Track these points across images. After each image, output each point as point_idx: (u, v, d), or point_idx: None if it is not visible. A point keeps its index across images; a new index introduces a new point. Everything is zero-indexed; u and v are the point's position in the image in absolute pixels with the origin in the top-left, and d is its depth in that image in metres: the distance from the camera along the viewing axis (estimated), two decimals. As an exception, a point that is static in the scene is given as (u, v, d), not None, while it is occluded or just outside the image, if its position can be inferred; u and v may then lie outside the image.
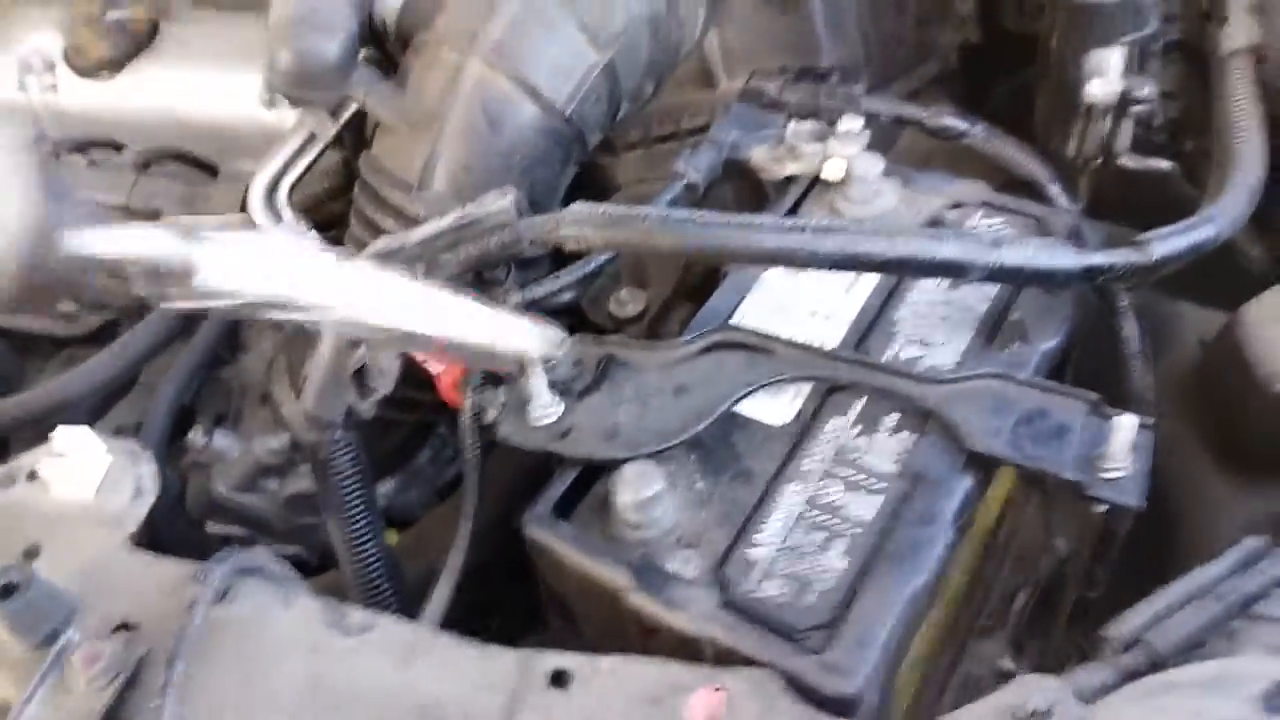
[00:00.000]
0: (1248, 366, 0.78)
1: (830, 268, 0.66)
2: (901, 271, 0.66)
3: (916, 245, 0.65)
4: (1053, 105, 0.84)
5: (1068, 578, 1.08)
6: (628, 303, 1.11)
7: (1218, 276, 0.90)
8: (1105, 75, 0.77)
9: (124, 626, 0.64)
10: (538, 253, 0.72)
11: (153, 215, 1.12)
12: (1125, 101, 0.78)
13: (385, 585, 0.82)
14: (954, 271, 0.66)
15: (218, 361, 1.05)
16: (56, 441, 0.71)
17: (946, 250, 0.65)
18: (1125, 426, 0.65)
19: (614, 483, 0.68)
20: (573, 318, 1.24)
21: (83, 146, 1.22)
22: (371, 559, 0.81)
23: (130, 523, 0.71)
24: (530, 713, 0.60)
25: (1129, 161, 0.82)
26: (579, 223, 0.69)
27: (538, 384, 0.71)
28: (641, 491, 0.67)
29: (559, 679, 0.61)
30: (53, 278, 0.85)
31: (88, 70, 1.22)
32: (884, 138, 1.05)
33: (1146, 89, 0.80)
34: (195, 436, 0.97)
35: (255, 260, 0.61)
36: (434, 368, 0.77)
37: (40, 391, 0.92)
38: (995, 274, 0.67)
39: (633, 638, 0.67)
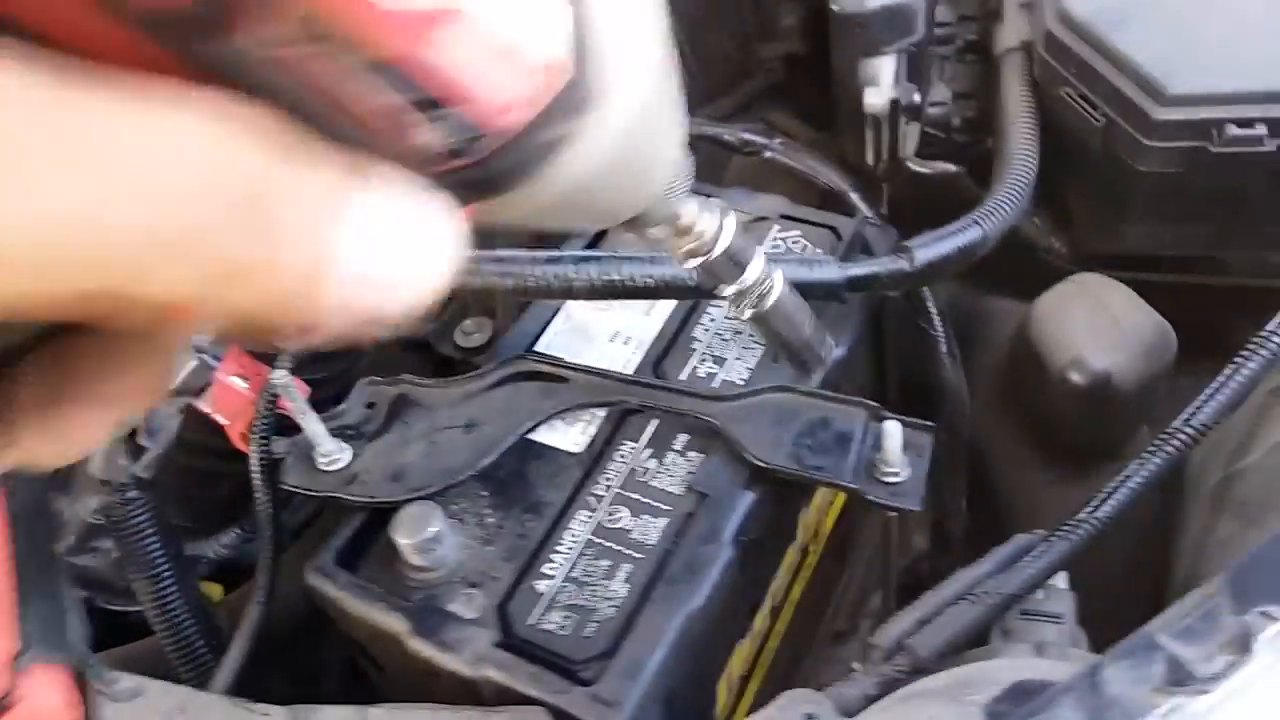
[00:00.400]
0: (1040, 359, 0.79)
1: (591, 297, 0.65)
2: (666, 295, 0.66)
3: (676, 269, 0.65)
4: (844, 115, 0.85)
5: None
6: (473, 332, 1.09)
7: (1029, 271, 0.92)
8: (877, 84, 0.78)
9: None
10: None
11: None
12: (899, 109, 0.79)
13: (199, 643, 0.80)
14: (709, 292, 0.66)
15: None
16: None
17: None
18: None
19: (392, 526, 0.66)
20: (420, 353, 1.24)
21: None
22: (181, 617, 0.79)
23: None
24: (296, 771, 0.59)
25: (916, 166, 0.83)
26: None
27: (314, 429, 0.70)
28: (419, 533, 0.66)
29: (328, 734, 0.60)
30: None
31: None
32: (713, 160, 1.06)
33: (916, 95, 0.81)
34: (16, 501, 0.94)
35: None
36: (222, 418, 0.75)
37: None
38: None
39: (420, 683, 0.66)
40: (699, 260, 0.42)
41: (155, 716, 0.61)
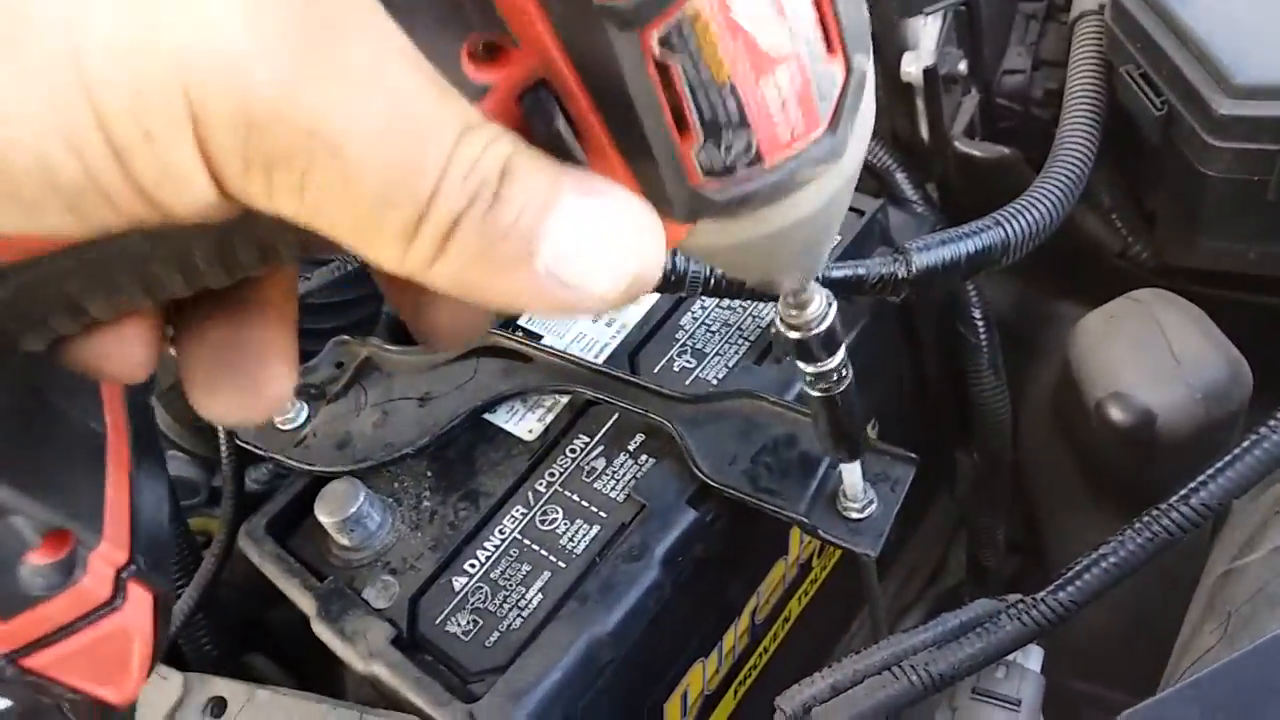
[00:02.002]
0: (1079, 388, 0.67)
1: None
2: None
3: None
4: (886, 84, 0.74)
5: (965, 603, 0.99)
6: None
7: (1105, 277, 0.78)
8: (917, 49, 0.67)
9: None
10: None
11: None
12: (938, 79, 0.67)
13: (178, 579, 0.81)
14: (685, 286, 0.59)
15: None
16: None
17: (676, 263, 0.58)
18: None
19: (317, 501, 0.64)
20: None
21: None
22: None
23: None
24: (177, 741, 0.58)
25: (963, 146, 0.71)
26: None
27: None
28: (341, 511, 0.63)
29: (216, 708, 0.59)
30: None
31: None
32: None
33: (963, 64, 0.69)
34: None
35: None
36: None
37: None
38: (714, 287, 0.59)
39: (334, 665, 0.64)
40: (798, 334, 0.45)
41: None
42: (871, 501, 0.59)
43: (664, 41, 0.24)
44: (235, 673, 0.77)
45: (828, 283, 0.61)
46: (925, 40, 0.67)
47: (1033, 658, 0.56)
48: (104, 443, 0.35)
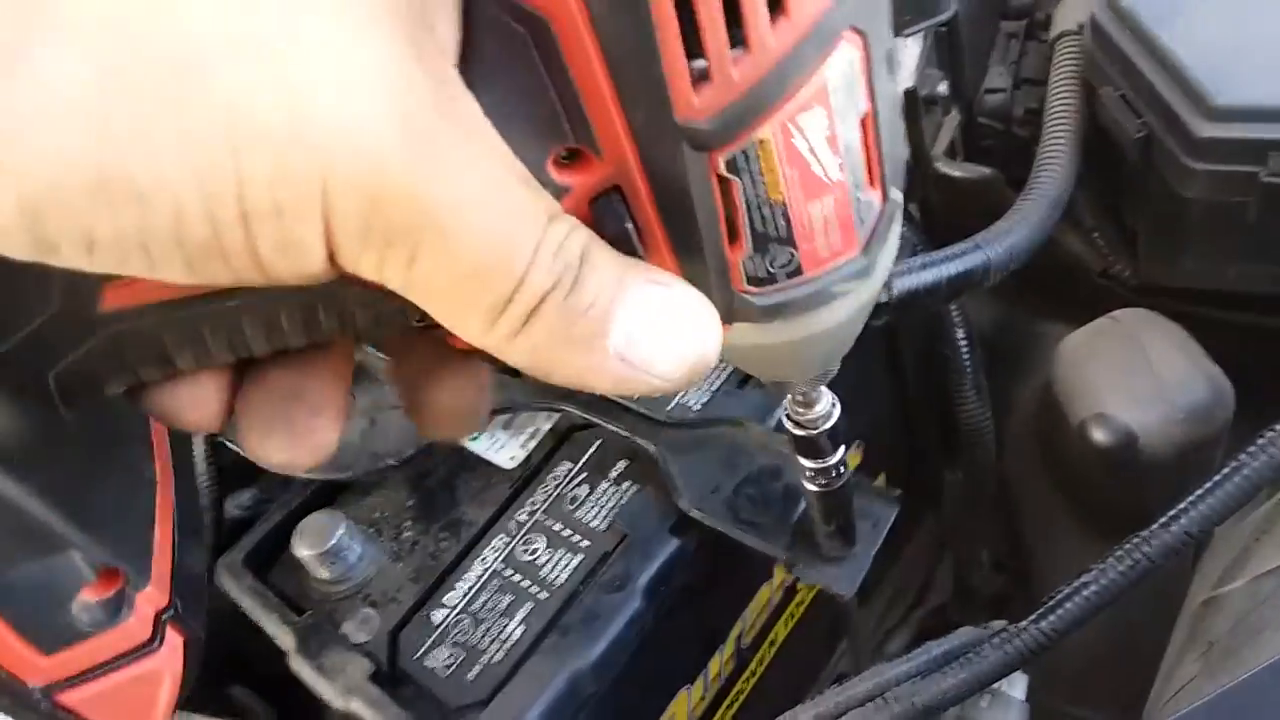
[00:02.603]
0: (1062, 408, 0.67)
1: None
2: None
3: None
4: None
5: (952, 625, 0.99)
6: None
7: (1088, 296, 0.78)
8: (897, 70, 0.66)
9: None
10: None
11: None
12: (919, 101, 0.67)
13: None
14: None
15: None
16: None
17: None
18: None
19: (295, 536, 0.63)
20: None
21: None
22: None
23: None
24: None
25: (944, 167, 0.71)
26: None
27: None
28: (319, 544, 0.62)
29: (190, 747, 0.59)
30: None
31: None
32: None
33: (944, 85, 0.69)
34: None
35: None
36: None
37: None
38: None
39: (316, 698, 0.63)
40: (803, 432, 0.47)
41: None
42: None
43: (730, 163, 0.28)
44: (217, 705, 0.76)
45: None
46: (905, 61, 0.67)
47: (1017, 685, 0.55)
48: (155, 489, 0.37)
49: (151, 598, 0.35)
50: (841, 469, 0.49)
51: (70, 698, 0.34)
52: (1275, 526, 0.47)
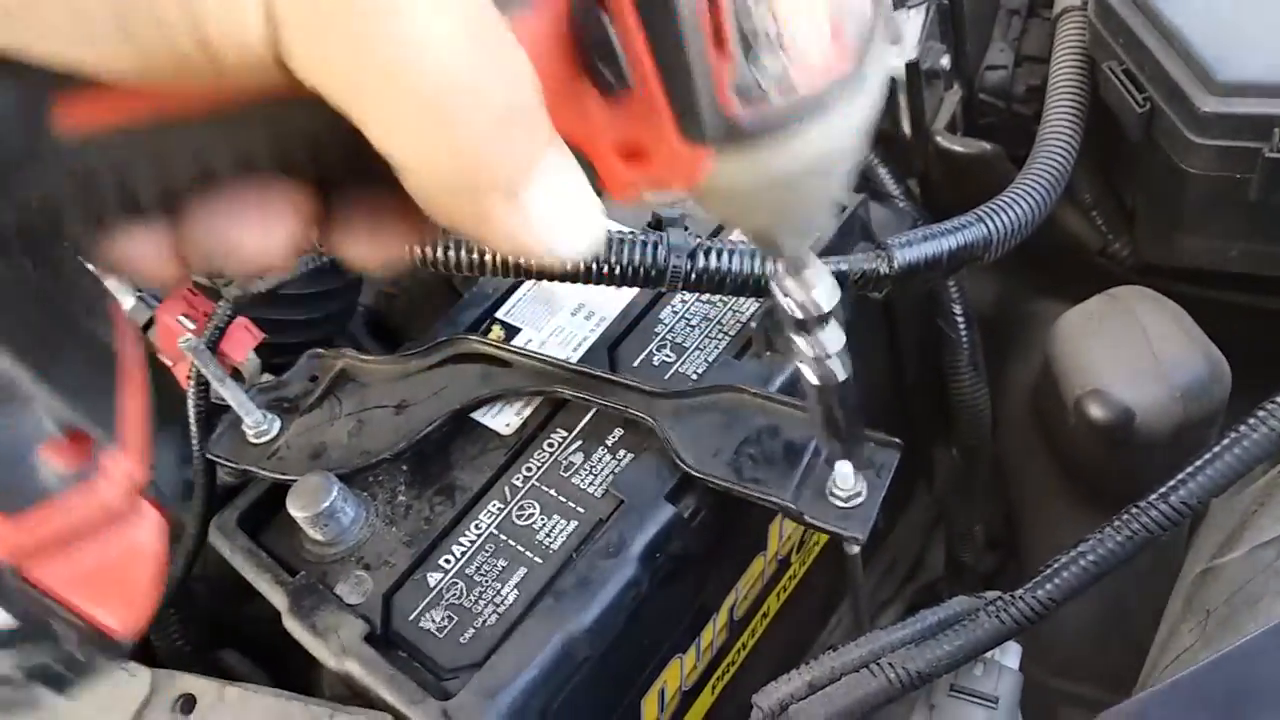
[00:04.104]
0: (1058, 385, 0.67)
1: (504, 274, 0.59)
2: (592, 280, 0.58)
3: (601, 252, 0.57)
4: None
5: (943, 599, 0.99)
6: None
7: (1086, 275, 0.78)
8: (899, 43, 0.66)
9: None
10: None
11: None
12: (919, 73, 0.67)
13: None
14: (647, 279, 0.59)
15: None
16: None
17: (629, 255, 0.57)
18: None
19: (289, 496, 0.63)
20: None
21: None
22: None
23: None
24: (144, 738, 0.57)
25: (945, 141, 0.71)
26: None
27: (238, 400, 0.67)
28: (312, 506, 0.62)
29: (185, 704, 0.58)
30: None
31: None
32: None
33: (945, 59, 0.68)
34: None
35: None
36: (167, 359, 0.73)
37: None
38: (696, 282, 0.59)
39: (309, 661, 0.63)
40: (802, 315, 0.44)
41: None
42: (858, 488, 0.58)
43: None
44: (208, 668, 0.76)
45: (808, 277, 0.60)
46: (908, 34, 0.66)
47: (1010, 655, 0.55)
48: (117, 360, 0.34)
49: (124, 467, 0.33)
50: (844, 360, 0.47)
51: (43, 574, 0.32)
52: (1274, 498, 0.47)
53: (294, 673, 0.86)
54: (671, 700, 0.71)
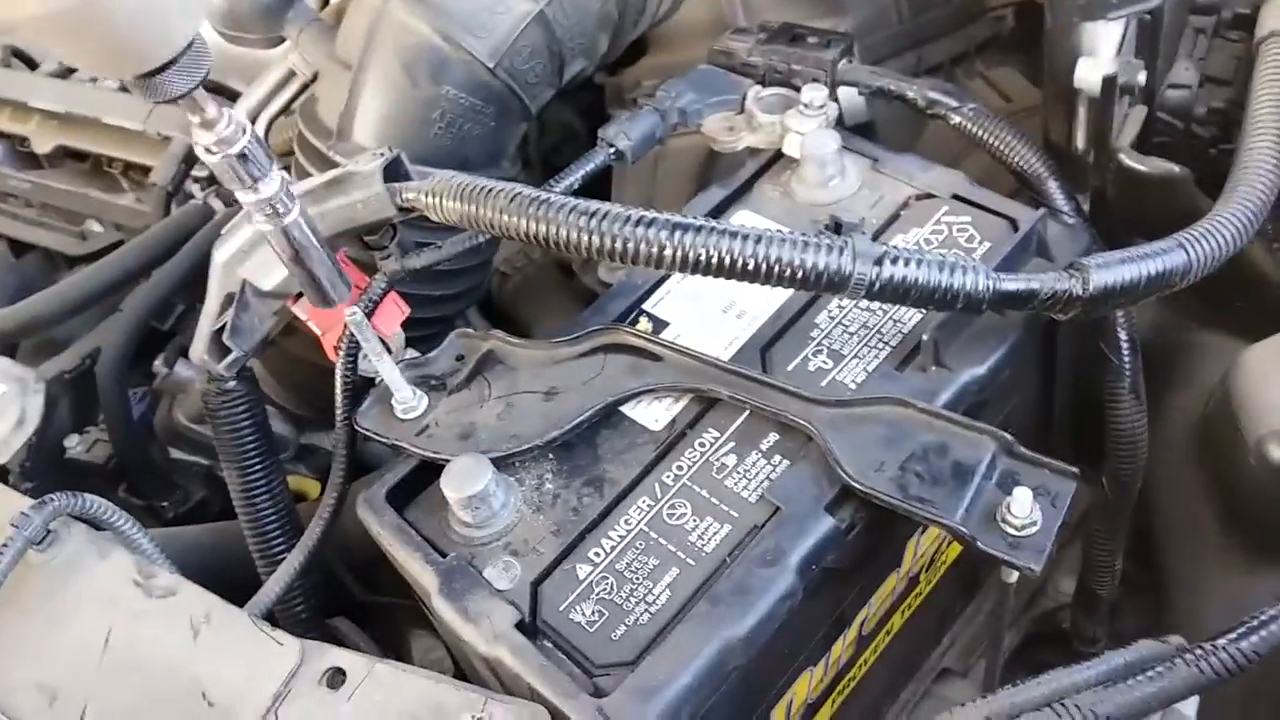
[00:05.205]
0: (1236, 421, 0.64)
1: (681, 269, 0.57)
2: (765, 281, 0.56)
3: (777, 252, 0.56)
4: (1051, 87, 0.70)
5: (1063, 629, 0.96)
6: (618, 268, 1.05)
7: (1261, 308, 0.75)
8: (1095, 54, 0.64)
9: (-42, 556, 0.66)
10: (403, 218, 0.67)
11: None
12: (1115, 88, 0.64)
13: (277, 540, 0.80)
14: (828, 285, 0.57)
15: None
16: (-48, 367, 0.74)
17: (813, 259, 0.56)
18: (1025, 474, 0.55)
19: (444, 477, 0.63)
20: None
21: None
22: (264, 512, 0.80)
23: (6, 451, 0.73)
24: (293, 706, 0.57)
25: (1130, 160, 0.68)
26: (436, 193, 0.63)
27: (391, 376, 0.67)
28: (467, 488, 0.62)
29: (334, 678, 0.58)
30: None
31: None
32: (903, 119, 0.93)
33: (1142, 75, 0.66)
34: (159, 364, 0.99)
35: None
36: (316, 328, 0.74)
37: (12, 311, 0.95)
38: (880, 290, 0.57)
39: (452, 638, 0.63)
40: (218, 155, 0.50)
41: (182, 620, 0.62)
42: (1034, 517, 0.56)
43: None
44: (321, 637, 0.76)
45: (997, 296, 0.58)
46: (1104, 47, 0.64)
47: (1190, 705, 0.53)
48: None
49: None
50: (289, 203, 0.54)
51: None
52: None
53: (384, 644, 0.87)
54: (796, 713, 0.70)
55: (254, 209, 0.54)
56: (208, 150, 0.49)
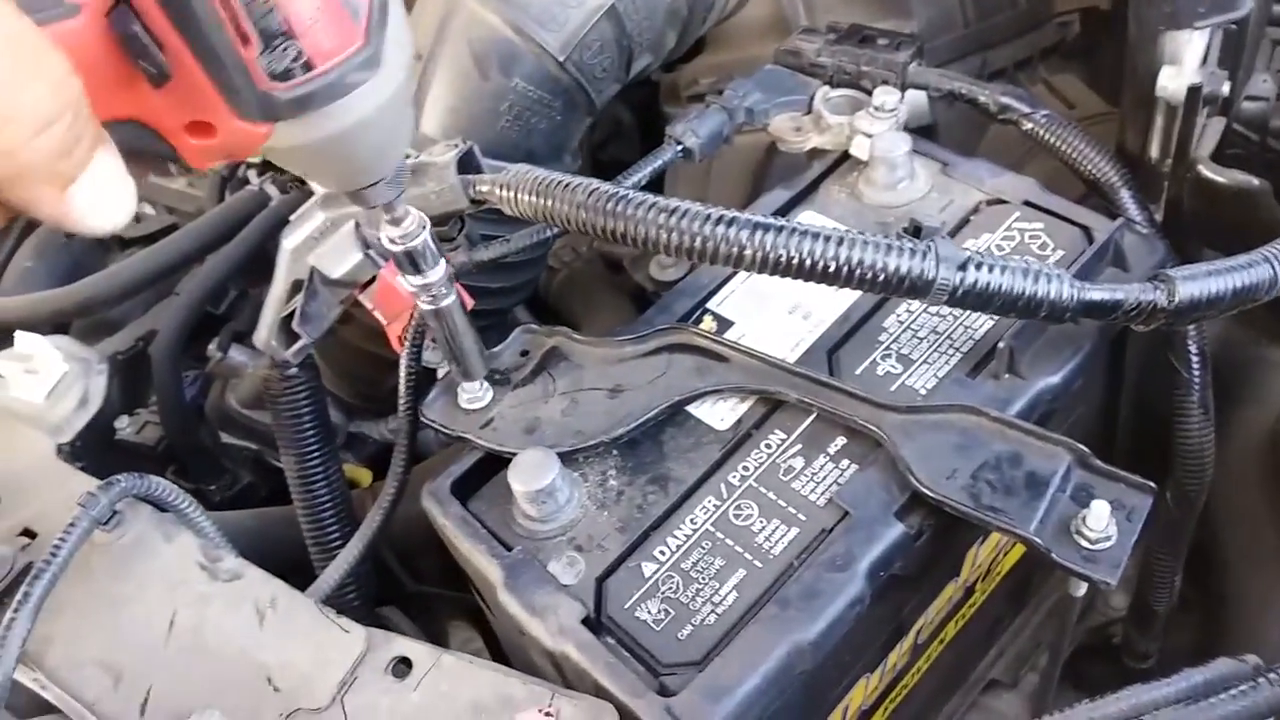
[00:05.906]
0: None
1: (761, 270, 0.57)
2: (841, 284, 0.56)
3: (858, 255, 0.55)
4: (1130, 95, 0.69)
5: (1114, 643, 0.95)
6: (669, 266, 1.04)
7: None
8: (1179, 64, 0.63)
9: (27, 533, 0.66)
10: (474, 210, 0.67)
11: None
12: (1199, 98, 0.63)
13: (332, 529, 0.81)
14: (909, 289, 0.56)
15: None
16: (19, 345, 0.74)
17: (895, 263, 0.55)
18: (1103, 488, 0.54)
19: (511, 469, 0.63)
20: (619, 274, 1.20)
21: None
22: (321, 498, 0.80)
23: (69, 430, 0.73)
24: (359, 695, 0.57)
25: (1209, 171, 0.67)
26: (511, 186, 0.63)
27: (473, 361, 0.67)
28: (535, 482, 0.62)
29: (400, 667, 0.58)
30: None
31: None
32: (969, 122, 0.92)
33: (1226, 85, 0.65)
34: (213, 349, 0.99)
35: None
36: (382, 317, 0.74)
37: (67, 291, 0.96)
38: (963, 297, 0.56)
39: (511, 631, 0.63)
40: (399, 247, 0.57)
41: (247, 604, 0.62)
42: (1109, 531, 0.56)
43: None
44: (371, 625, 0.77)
45: (1081, 305, 0.57)
46: (1189, 56, 0.63)
47: (1269, 727, 0.52)
48: None
49: None
50: (445, 289, 0.59)
51: None
52: None
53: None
54: (851, 719, 0.70)
55: (420, 291, 0.60)
56: (392, 241, 0.56)
